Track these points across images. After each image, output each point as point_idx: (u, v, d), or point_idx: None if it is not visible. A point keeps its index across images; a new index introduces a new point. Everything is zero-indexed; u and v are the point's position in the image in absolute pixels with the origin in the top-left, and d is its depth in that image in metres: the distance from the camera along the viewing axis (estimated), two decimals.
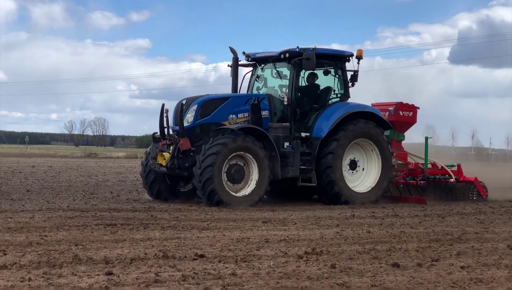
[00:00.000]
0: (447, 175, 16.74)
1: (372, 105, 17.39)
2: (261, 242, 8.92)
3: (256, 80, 16.27)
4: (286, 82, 15.65)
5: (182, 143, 14.22)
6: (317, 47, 15.22)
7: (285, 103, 15.19)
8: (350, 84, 16.08)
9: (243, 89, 16.29)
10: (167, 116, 14.95)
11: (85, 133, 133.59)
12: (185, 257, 7.61)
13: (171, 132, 14.93)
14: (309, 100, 15.78)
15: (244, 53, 16.18)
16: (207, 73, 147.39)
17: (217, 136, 14.12)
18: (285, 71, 15.75)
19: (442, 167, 17.05)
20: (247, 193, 14.25)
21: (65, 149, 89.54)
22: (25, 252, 7.59)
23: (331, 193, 15.16)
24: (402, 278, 6.85)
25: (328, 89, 16.04)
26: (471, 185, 16.70)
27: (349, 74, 16.04)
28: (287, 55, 15.27)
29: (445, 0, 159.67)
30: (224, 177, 14.00)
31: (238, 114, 15.01)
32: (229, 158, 13.96)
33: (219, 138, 14.00)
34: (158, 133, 15.16)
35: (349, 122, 15.43)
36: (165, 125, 14.96)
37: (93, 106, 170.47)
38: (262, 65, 16.24)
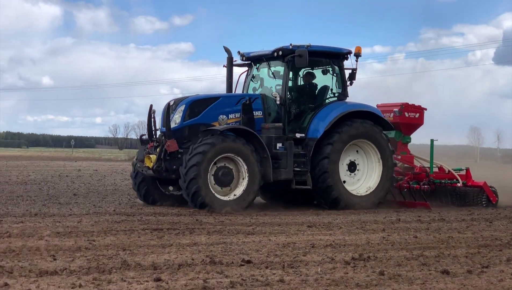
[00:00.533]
0: (454, 180, 16.14)
1: (377, 106, 16.78)
2: (307, 247, 8.88)
3: (252, 81, 15.80)
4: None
5: (169, 145, 13.79)
6: (311, 44, 14.69)
7: (278, 102, 14.68)
8: (348, 82, 15.51)
9: (238, 90, 15.78)
10: (154, 117, 14.61)
11: (129, 137, 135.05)
12: (232, 262, 7.61)
13: (159, 134, 14.56)
14: (304, 99, 15.30)
15: (239, 52, 15.71)
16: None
17: (206, 136, 13.67)
18: (280, 70, 15.17)
19: (449, 171, 16.44)
20: (236, 197, 13.69)
21: (110, 153, 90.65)
22: (74, 257, 7.68)
23: (330, 198, 14.62)
24: (453, 286, 6.75)
25: (325, 88, 15.51)
26: (480, 190, 15.94)
27: (347, 72, 15.47)
28: (280, 53, 14.71)
29: (489, 0, 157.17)
30: (211, 179, 13.51)
31: (229, 115, 14.48)
32: (216, 159, 13.47)
33: (207, 138, 13.53)
34: (146, 135, 14.86)
35: (346, 122, 14.85)
36: (153, 127, 14.63)
37: (137, 110, 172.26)
38: (258, 65, 15.73)
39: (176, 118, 14.25)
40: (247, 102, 14.49)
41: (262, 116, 14.72)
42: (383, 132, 15.35)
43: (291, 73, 15.17)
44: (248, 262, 7.65)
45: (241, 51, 15.68)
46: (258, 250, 8.55)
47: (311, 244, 9.17)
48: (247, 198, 13.72)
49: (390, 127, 15.75)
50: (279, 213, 13.51)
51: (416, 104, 16.94)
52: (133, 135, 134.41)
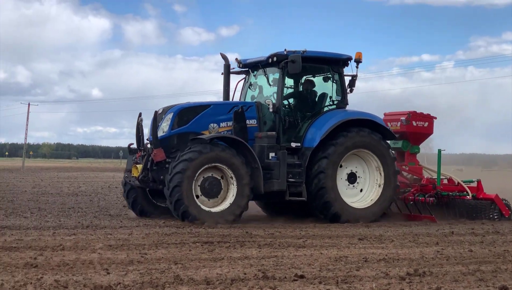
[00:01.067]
0: (463, 192, 15.31)
1: (385, 114, 16.38)
2: (360, 262, 8.76)
3: (250, 88, 15.29)
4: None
5: (155, 154, 13.39)
6: (306, 50, 14.19)
7: (270, 110, 14.11)
8: (348, 90, 14.92)
9: (236, 98, 15.36)
10: (142, 126, 14.21)
11: None
12: (285, 277, 7.53)
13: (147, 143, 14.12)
14: (301, 107, 14.74)
15: (236, 59, 15.31)
16: None
17: (194, 144, 13.24)
18: (277, 76, 14.59)
19: (458, 182, 15.64)
20: (224, 209, 13.16)
21: None
22: (127, 271, 7.70)
23: (329, 214, 14.01)
24: None
25: (323, 96, 14.95)
26: (491, 203, 15.10)
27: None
28: (275, 59, 14.20)
29: None
30: (197, 189, 13.07)
31: (220, 123, 13.98)
32: (203, 169, 12.99)
33: (195, 146, 13.13)
34: (134, 144, 14.44)
35: (342, 133, 14.20)
36: (141, 136, 14.21)
37: None
38: (255, 72, 15.26)
39: (164, 127, 13.83)
40: (240, 110, 13.95)
41: (256, 125, 14.20)
42: (386, 140, 14.70)
43: (288, 79, 14.73)
44: (301, 277, 7.56)
45: (239, 58, 15.32)
46: (310, 264, 8.46)
47: (363, 258, 9.04)
48: (235, 211, 13.18)
49: (392, 136, 15.02)
50: (329, 225, 13.40)
51: (425, 112, 16.29)
52: None
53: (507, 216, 15.01)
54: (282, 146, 13.94)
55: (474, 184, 15.55)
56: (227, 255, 9.07)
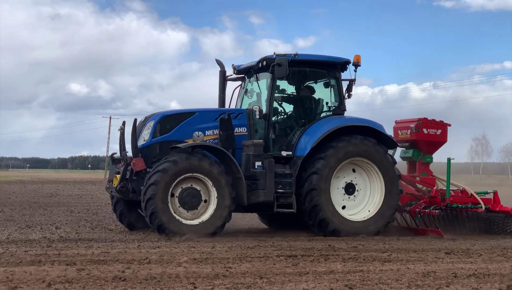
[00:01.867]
0: (478, 205, 14.28)
1: (396, 122, 15.72)
2: (449, 277, 8.51)
3: (246, 95, 14.63)
4: (276, 95, 13.89)
5: (135, 163, 12.94)
6: (298, 53, 13.54)
7: (257, 117, 13.43)
8: (346, 95, 14.23)
9: (233, 106, 14.77)
10: (123, 134, 13.72)
11: None
12: None
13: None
14: (294, 114, 14.05)
15: (232, 65, 14.70)
16: (373, 96, 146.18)
17: (171, 154, 12.76)
18: (279, 82, 14.00)
19: (471, 194, 14.58)
20: (203, 221, 12.62)
21: None
22: (213, 285, 7.70)
23: (317, 219, 13.22)
24: None
25: (319, 102, 14.18)
26: (506, 216, 14.09)
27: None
28: (265, 63, 13.62)
29: None
30: (175, 201, 12.60)
31: (206, 131, 13.44)
32: (179, 179, 12.50)
33: (171, 156, 12.64)
34: (118, 153, 14.00)
35: (344, 138, 13.51)
36: (124, 145, 13.80)
37: None
38: (251, 78, 14.56)
39: (145, 135, 13.38)
40: (226, 117, 13.37)
41: (247, 133, 13.60)
42: (388, 152, 13.92)
43: (288, 86, 14.17)
44: None
45: (235, 64, 14.75)
46: (397, 280, 8.27)
47: (452, 273, 8.79)
48: (215, 223, 12.63)
49: (393, 143, 14.15)
50: (413, 238, 13.14)
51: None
52: None
53: None
54: (269, 155, 13.28)
55: (490, 196, 14.52)
56: (311, 269, 8.97)
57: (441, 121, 15.27)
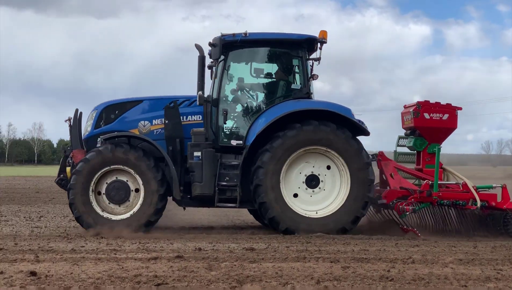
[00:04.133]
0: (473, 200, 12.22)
1: (404, 107, 13.60)
2: None
3: (224, 79, 12.86)
4: (256, 80, 12.85)
5: (74, 155, 12.36)
6: (248, 32, 12.23)
7: (197, 103, 12.29)
8: (310, 76, 12.65)
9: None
10: (71, 125, 12.89)
11: (502, 153, 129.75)
12: None
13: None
14: (249, 99, 12.77)
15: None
16: None
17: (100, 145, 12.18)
18: (263, 66, 12.90)
19: (469, 188, 12.39)
20: (134, 212, 11.90)
21: (484, 170, 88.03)
22: (488, 288, 7.27)
23: (267, 218, 12.04)
24: None
25: (278, 85, 12.74)
26: (506, 215, 12.19)
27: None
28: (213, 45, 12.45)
29: None
30: (103, 199, 11.96)
31: (153, 120, 12.63)
32: (103, 171, 11.87)
33: (91, 151, 12.01)
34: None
35: (295, 125, 12.04)
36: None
37: (510, 125, 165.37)
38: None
39: (88, 126, 12.83)
40: (172, 105, 12.52)
41: (202, 121, 12.58)
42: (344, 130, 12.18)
43: (238, 68, 12.82)
44: None
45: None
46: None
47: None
48: (147, 212, 11.86)
49: (362, 131, 12.47)
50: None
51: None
52: (507, 152, 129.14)
53: None
54: (209, 144, 12.25)
55: (495, 191, 12.53)
56: None
57: (448, 104, 13.19)
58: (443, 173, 13.13)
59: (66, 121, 12.83)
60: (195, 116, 12.68)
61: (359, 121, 12.56)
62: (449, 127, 13.15)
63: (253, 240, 11.25)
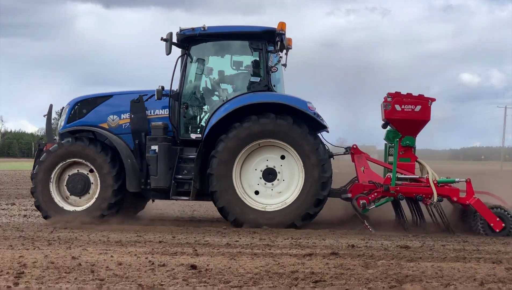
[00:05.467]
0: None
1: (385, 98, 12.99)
2: None
3: (204, 74, 13.13)
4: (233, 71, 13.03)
5: (47, 148, 12.75)
6: (206, 26, 12.42)
7: (156, 99, 12.49)
8: (270, 69, 12.52)
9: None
10: (49, 119, 13.38)
11: None
12: None
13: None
14: (209, 92, 13.01)
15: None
16: None
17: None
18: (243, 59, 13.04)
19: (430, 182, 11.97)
20: (90, 204, 12.39)
21: None
22: None
23: (217, 207, 12.27)
24: None
25: (238, 78, 12.95)
26: (473, 211, 11.71)
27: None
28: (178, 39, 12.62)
29: None
30: (64, 191, 12.59)
31: (122, 115, 12.93)
32: (63, 164, 12.52)
33: (55, 144, 12.65)
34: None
35: (251, 117, 12.11)
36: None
37: None
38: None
39: (62, 120, 13.24)
40: (137, 99, 12.76)
41: (168, 115, 12.69)
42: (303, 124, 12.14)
43: (199, 61, 12.88)
44: None
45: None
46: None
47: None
48: (101, 205, 12.32)
49: (319, 125, 12.38)
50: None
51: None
52: None
53: (497, 230, 11.51)
54: (166, 138, 12.48)
55: (458, 185, 12.16)
56: None
57: (421, 96, 12.69)
58: (419, 167, 13.00)
59: (44, 116, 13.37)
60: (163, 110, 12.92)
61: (316, 114, 12.38)
62: (421, 119, 12.73)
63: (407, 237, 11.01)
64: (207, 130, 12.36)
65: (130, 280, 7.08)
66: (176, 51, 12.69)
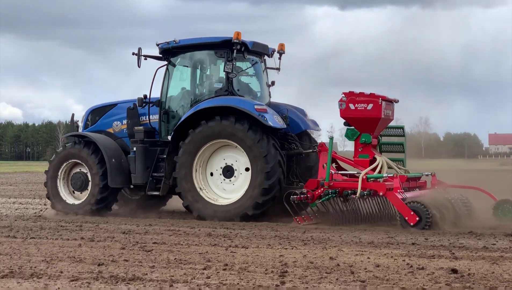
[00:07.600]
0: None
1: None
2: None
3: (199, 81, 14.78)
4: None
5: None
6: (177, 40, 14.01)
7: (138, 106, 14.44)
8: (230, 76, 13.75)
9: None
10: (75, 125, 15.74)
11: None
12: None
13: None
14: (184, 98, 14.43)
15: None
16: None
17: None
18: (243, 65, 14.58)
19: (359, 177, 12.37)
20: (84, 200, 14.41)
21: None
22: None
23: (183, 205, 13.92)
24: None
25: (207, 84, 14.47)
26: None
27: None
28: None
29: None
30: (69, 187, 14.69)
31: (123, 121, 14.92)
32: (67, 164, 14.60)
33: (63, 147, 15.23)
34: None
35: (201, 122, 13.45)
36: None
37: None
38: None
39: (80, 127, 15.40)
40: (132, 107, 14.58)
41: (149, 120, 14.56)
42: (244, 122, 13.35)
43: (174, 71, 14.40)
44: None
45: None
46: None
47: None
48: (90, 200, 14.23)
49: (260, 124, 13.17)
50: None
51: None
52: None
53: (412, 224, 11.58)
54: (143, 141, 14.07)
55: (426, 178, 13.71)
56: None
57: (372, 94, 13.12)
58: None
59: (67, 123, 17.47)
60: (154, 115, 14.54)
61: (261, 115, 13.13)
62: (373, 117, 13.14)
63: None
64: (172, 133, 13.94)
65: (391, 282, 7.04)
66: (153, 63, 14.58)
